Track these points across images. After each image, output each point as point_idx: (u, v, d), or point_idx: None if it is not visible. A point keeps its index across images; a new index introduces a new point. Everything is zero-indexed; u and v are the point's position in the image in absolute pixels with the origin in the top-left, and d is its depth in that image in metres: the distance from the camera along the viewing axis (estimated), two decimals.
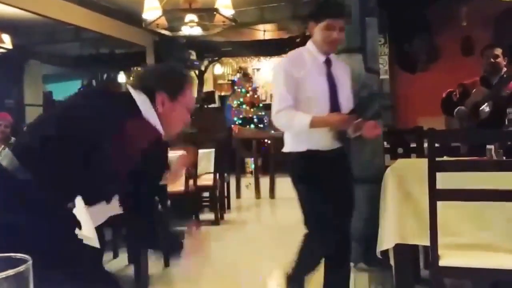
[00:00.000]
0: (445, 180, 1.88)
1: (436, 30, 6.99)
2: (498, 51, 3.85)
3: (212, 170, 4.91)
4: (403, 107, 7.15)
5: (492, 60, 3.82)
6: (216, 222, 4.87)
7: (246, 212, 5.99)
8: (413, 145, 3.46)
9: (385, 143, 3.48)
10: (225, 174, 5.37)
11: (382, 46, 6.90)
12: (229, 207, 5.67)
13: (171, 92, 1.60)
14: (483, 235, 2.10)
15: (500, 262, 1.92)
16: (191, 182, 4.42)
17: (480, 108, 3.66)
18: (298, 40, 7.64)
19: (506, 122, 3.48)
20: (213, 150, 4.99)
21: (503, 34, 6.44)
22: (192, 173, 4.41)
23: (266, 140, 7.03)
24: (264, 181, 6.57)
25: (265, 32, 8.05)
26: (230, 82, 8.93)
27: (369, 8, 2.74)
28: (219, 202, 5.09)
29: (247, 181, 6.72)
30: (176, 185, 4.14)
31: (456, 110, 3.95)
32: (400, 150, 3.50)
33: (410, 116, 6.76)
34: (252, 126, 7.35)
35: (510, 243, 2.03)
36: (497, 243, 2.06)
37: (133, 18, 6.20)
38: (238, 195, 6.55)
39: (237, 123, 7.36)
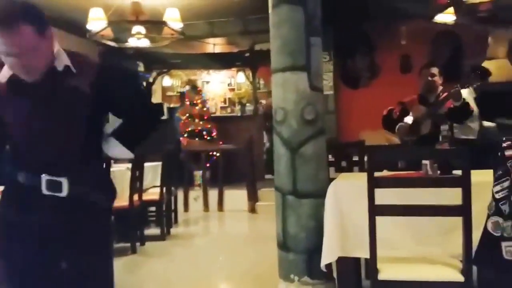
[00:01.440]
0: (386, 193, 1.96)
1: (377, 48, 7.28)
2: (435, 70, 4.04)
3: (158, 183, 4.84)
4: (346, 121, 7.36)
5: (429, 79, 4.01)
6: (162, 237, 4.79)
7: (194, 225, 5.95)
8: (356, 158, 3.56)
9: (329, 156, 3.56)
10: (173, 188, 5.31)
11: (327, 62, 7.11)
12: (176, 221, 5.60)
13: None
14: (421, 248, 2.19)
15: (437, 274, 2.01)
16: (135, 196, 4.33)
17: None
18: (247, 54, 7.74)
19: (441, 139, 3.69)
20: (160, 163, 4.92)
21: (439, 54, 6.82)
22: (137, 187, 4.32)
23: (215, 153, 7.01)
24: (213, 194, 6.55)
25: (214, 45, 8.09)
26: (179, 94, 8.87)
27: (313, 28, 2.80)
28: (165, 217, 5.01)
29: (195, 194, 6.67)
30: (120, 200, 4.06)
31: (397, 126, 4.11)
32: (343, 163, 3.59)
33: (353, 130, 6.97)
34: (201, 138, 7.32)
35: (446, 255, 2.14)
36: (435, 256, 2.15)
37: (75, 27, 6.01)
38: (186, 209, 6.50)
39: (185, 135, 7.30)
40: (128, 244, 4.24)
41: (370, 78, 7.34)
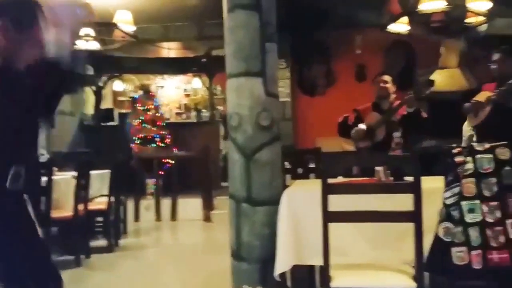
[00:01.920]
0: (341, 200, 1.95)
1: (334, 56, 7.37)
2: (388, 78, 4.11)
3: (107, 192, 4.61)
4: (303, 128, 7.38)
5: (382, 86, 4.07)
6: (109, 249, 4.55)
7: (145, 236, 5.72)
8: (312, 165, 3.55)
9: (286, 163, 3.55)
10: (122, 197, 5.10)
11: (284, 69, 7.12)
12: (125, 232, 5.37)
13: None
14: (375, 254, 2.19)
15: (389, 281, 2.00)
16: (81, 206, 4.08)
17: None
18: (203, 60, 7.63)
19: (393, 145, 3.73)
20: (108, 171, 4.70)
21: (393, 62, 6.96)
22: (82, 196, 4.07)
23: (168, 160, 6.83)
24: (166, 203, 6.36)
25: (169, 50, 7.91)
26: (131, 99, 8.62)
27: (269, 34, 2.76)
28: (113, 227, 4.78)
29: (147, 203, 6.45)
30: (64, 210, 3.81)
31: (352, 133, 4.13)
32: (300, 170, 3.58)
33: (309, 137, 6.98)
34: (154, 145, 7.11)
35: (399, 262, 2.13)
36: (388, 262, 2.15)
37: None
38: (137, 219, 6.27)
39: (137, 142, 7.07)
40: (72, 257, 3.98)
41: (326, 85, 7.41)
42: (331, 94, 7.36)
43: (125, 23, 4.89)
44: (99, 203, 4.55)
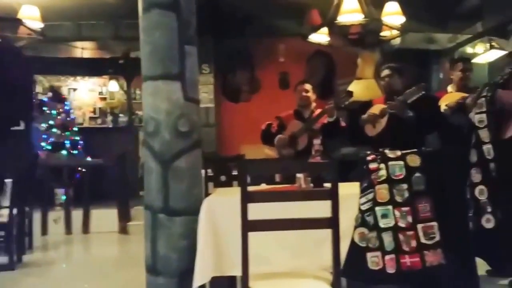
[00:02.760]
0: (263, 208, 1.91)
1: (258, 63, 7.41)
2: (308, 87, 4.21)
3: (8, 204, 4.19)
4: (227, 135, 7.33)
5: (303, 95, 4.16)
6: (10, 266, 4.13)
7: (53, 251, 5.33)
8: (235, 173, 3.53)
9: (209, 171, 3.53)
10: (27, 208, 4.72)
11: (208, 75, 7.03)
12: (30, 247, 4.95)
13: None
14: (295, 262, 2.19)
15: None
16: None
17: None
18: (121, 61, 7.30)
19: (313, 152, 3.83)
20: (10, 180, 4.29)
21: (314, 72, 7.14)
22: None
23: (80, 168, 6.42)
24: (77, 214, 5.99)
25: (83, 50, 7.46)
26: (39, 102, 8.04)
27: (188, 36, 2.65)
28: (16, 242, 4.35)
29: (56, 215, 6.01)
30: None
31: (275, 141, 4.16)
32: (223, 178, 3.55)
33: (234, 144, 6.94)
34: (64, 152, 6.66)
35: (318, 268, 2.14)
36: (308, 269, 2.15)
37: None
38: (44, 232, 5.85)
39: (45, 148, 6.58)
40: None
41: (250, 92, 7.43)
42: (255, 101, 7.38)
43: (32, 19, 4.53)
44: None
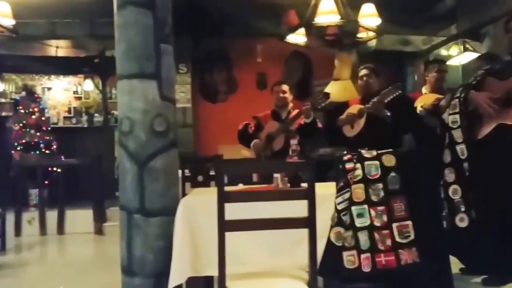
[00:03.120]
0: (240, 208, 1.91)
1: (236, 63, 7.40)
2: (285, 87, 4.21)
3: None
4: (205, 135, 7.29)
5: (280, 95, 4.15)
6: None
7: (28, 252, 5.20)
8: (213, 173, 3.51)
9: (186, 171, 3.53)
10: None
11: (185, 74, 6.99)
12: (4, 248, 4.87)
13: None
14: (272, 262, 2.19)
15: (283, 287, 1.99)
16: None
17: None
18: (96, 60, 7.18)
19: (290, 152, 3.83)
20: None
21: (292, 72, 7.17)
22: None
23: (54, 169, 6.29)
24: (52, 215, 5.88)
25: (57, 48, 7.31)
26: (12, 101, 7.85)
27: (164, 34, 2.62)
28: None
29: (30, 215, 5.89)
30: None
31: (252, 143, 4.15)
32: (200, 178, 3.54)
33: (211, 144, 6.90)
34: (38, 152, 6.53)
35: (295, 268, 2.14)
36: (285, 269, 2.15)
37: None
38: (18, 233, 5.73)
39: (19, 148, 6.44)
40: None
41: (228, 92, 7.42)
42: (233, 101, 7.37)
43: (3, 16, 4.39)
44: None
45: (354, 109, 3.77)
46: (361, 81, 3.84)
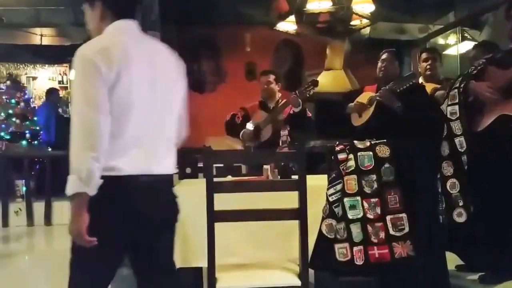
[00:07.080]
0: (229, 200, 1.90)
1: (224, 53, 7.29)
2: (271, 77, 4.10)
3: None
4: (193, 126, 7.17)
5: (266, 86, 4.06)
6: None
7: (15, 243, 5.18)
8: (201, 164, 3.43)
9: None
10: None
11: None
12: None
13: None
14: (262, 253, 2.18)
15: (274, 279, 1.98)
16: None
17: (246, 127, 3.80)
18: None
19: (280, 143, 3.74)
20: None
21: (282, 62, 7.08)
22: None
23: (41, 159, 6.19)
24: (39, 206, 5.82)
25: (42, 36, 7.15)
26: None
27: (150, 21, 2.55)
28: None
29: (17, 206, 5.83)
30: None
31: (241, 132, 4.08)
32: (188, 170, 3.45)
33: (200, 135, 6.81)
34: (24, 142, 6.42)
35: (285, 260, 2.13)
36: (274, 261, 2.15)
37: None
38: (5, 223, 5.69)
39: (4, 138, 6.32)
40: None
41: (216, 82, 7.31)
42: (221, 91, 7.27)
43: None
44: None
45: (365, 97, 3.41)
46: (381, 64, 3.39)
